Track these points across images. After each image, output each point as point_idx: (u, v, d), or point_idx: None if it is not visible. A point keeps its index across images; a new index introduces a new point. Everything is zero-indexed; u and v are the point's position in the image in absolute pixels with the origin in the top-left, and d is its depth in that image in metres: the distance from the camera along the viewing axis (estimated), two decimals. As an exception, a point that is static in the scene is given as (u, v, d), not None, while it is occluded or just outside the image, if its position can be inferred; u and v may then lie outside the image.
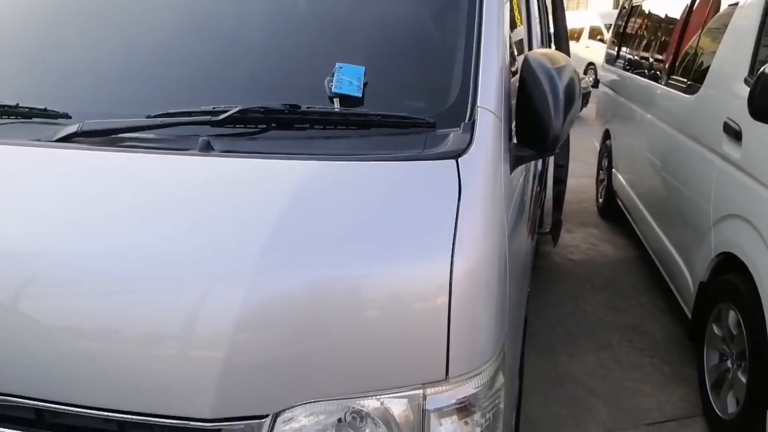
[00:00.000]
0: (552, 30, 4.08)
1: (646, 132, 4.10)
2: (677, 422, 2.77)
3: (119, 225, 1.18)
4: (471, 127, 1.31)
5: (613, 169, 5.04)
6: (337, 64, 1.37)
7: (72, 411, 1.14)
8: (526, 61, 1.44)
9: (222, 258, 1.12)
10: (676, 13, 4.13)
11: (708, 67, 3.12)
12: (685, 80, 3.48)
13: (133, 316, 1.11)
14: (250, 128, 1.36)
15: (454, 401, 1.15)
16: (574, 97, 1.43)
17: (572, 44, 9.37)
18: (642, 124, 4.24)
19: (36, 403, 1.16)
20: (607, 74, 5.88)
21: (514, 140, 1.52)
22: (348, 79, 1.34)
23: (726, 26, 3.03)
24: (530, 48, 2.49)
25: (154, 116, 1.36)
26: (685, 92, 3.42)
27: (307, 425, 1.13)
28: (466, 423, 1.19)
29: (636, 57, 5.04)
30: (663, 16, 4.59)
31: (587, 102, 4.10)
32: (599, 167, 5.74)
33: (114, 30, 1.65)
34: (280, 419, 1.12)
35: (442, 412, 1.16)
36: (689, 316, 3.09)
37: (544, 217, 4.08)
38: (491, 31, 1.46)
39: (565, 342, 3.41)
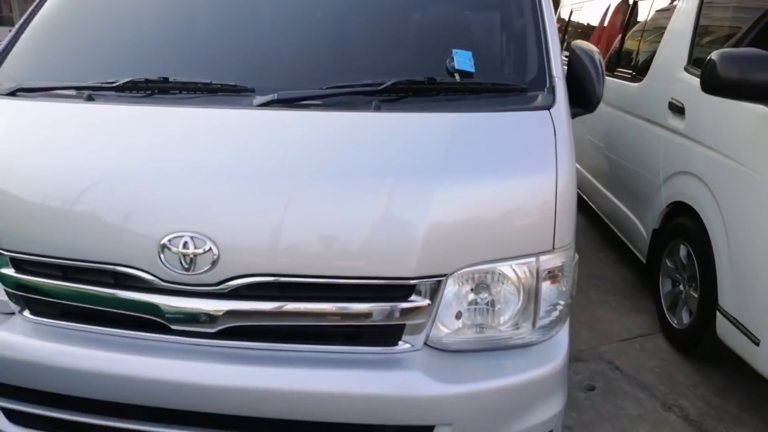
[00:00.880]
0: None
1: (595, 115, 4.89)
2: (642, 338, 3.54)
3: (338, 156, 1.72)
4: (553, 90, 1.92)
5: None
6: (453, 50, 1.97)
7: (313, 282, 1.67)
8: (573, 46, 2.10)
9: (413, 172, 1.68)
10: (617, 18, 4.99)
11: (650, 61, 3.93)
12: (631, 72, 4.30)
13: (366, 212, 1.64)
14: (393, 96, 1.89)
15: (558, 263, 1.77)
16: (603, 72, 2.10)
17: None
18: (590, 111, 5.06)
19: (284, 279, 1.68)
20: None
21: None
22: (463, 59, 1.93)
23: (663, 28, 3.85)
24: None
25: (328, 88, 1.89)
26: (630, 81, 4.23)
27: (467, 281, 1.73)
28: (558, 283, 1.82)
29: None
30: (600, 20, 5.46)
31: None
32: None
33: (283, 23, 2.17)
34: (451, 278, 1.71)
35: (546, 275, 1.78)
36: (643, 260, 3.88)
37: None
38: (551, 22, 2.09)
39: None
